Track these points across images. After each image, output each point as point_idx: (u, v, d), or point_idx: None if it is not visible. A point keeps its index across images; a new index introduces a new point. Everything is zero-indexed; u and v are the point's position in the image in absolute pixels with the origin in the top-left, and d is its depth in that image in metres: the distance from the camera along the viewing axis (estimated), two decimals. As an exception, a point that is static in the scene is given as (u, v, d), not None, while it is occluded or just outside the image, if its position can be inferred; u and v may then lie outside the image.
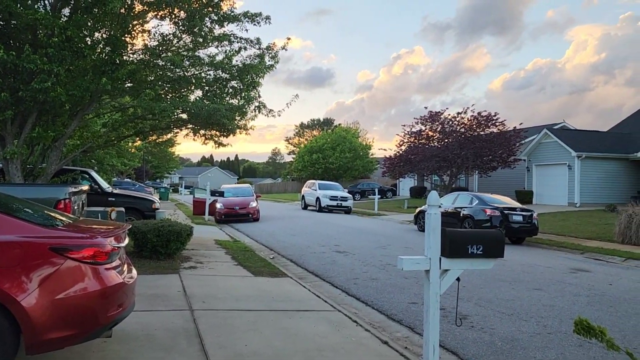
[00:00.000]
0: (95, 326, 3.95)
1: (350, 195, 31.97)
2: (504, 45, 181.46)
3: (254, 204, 22.50)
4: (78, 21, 9.68)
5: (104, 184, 14.23)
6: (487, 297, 8.19)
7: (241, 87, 12.43)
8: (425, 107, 32.97)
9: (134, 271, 4.81)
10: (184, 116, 12.40)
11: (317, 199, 30.86)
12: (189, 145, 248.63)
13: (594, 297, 8.32)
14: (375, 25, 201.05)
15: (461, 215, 17.01)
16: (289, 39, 11.81)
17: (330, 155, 52.42)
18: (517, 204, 16.94)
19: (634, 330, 6.43)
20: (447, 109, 33.10)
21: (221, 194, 22.05)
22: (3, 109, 9.44)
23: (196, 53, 11.62)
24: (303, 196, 34.02)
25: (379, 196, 35.62)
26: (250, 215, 22.09)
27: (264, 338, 5.46)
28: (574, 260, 13.08)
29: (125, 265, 4.62)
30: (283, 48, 11.66)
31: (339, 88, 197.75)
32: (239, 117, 12.66)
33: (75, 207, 8.98)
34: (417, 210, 20.07)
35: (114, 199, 13.82)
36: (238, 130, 13.12)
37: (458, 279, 4.44)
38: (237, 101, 12.70)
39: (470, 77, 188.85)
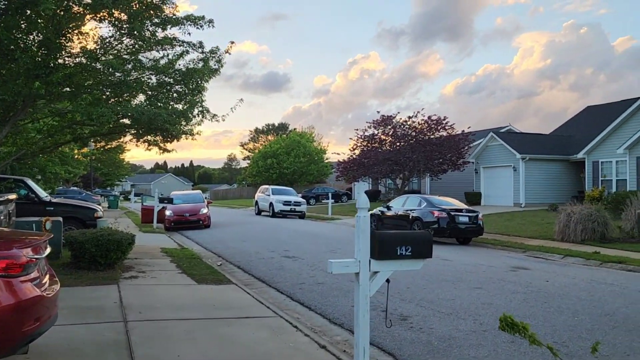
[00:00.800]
0: (10, 343, 3.75)
1: (304, 200, 31.99)
2: (456, 52, 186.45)
3: (204, 211, 22.14)
4: (9, 22, 9.27)
5: (42, 193, 13.66)
6: (428, 297, 8.31)
7: (186, 91, 12.24)
8: (378, 111, 33.46)
9: (57, 283, 4.60)
10: (127, 121, 12.08)
11: (271, 204, 30.70)
12: (141, 152, 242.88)
13: (531, 294, 8.58)
14: (331, 30, 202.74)
15: (410, 217, 17.28)
16: (232, 42, 11.69)
17: (284, 160, 52.31)
18: (463, 206, 17.36)
19: (564, 325, 6.65)
20: (398, 112, 33.72)
21: (170, 200, 21.60)
22: None
23: (139, 57, 11.35)
24: (256, 202, 33.79)
25: (333, 200, 35.84)
26: (201, 222, 21.73)
27: (198, 347, 5.33)
28: (516, 259, 13.50)
29: (47, 277, 4.42)
30: (227, 52, 11.55)
31: (296, 93, 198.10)
32: (184, 122, 12.43)
33: (1, 218, 8.56)
34: (370, 213, 20.21)
35: (52, 208, 13.29)
36: (184, 136, 12.89)
37: (388, 281, 4.46)
38: (181, 106, 12.50)
39: (424, 82, 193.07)
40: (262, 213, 32.30)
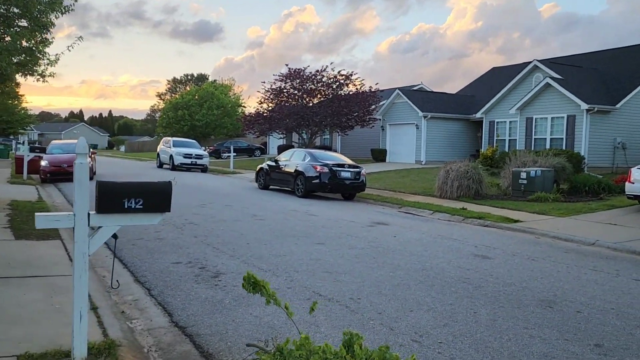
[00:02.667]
0: None
1: (207, 154, 30.99)
2: (392, 9, 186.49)
3: (86, 162, 20.69)
4: None
5: None
6: (260, 254, 8.01)
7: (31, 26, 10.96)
8: (287, 65, 32.41)
9: None
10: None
11: (171, 156, 29.50)
12: (52, 100, 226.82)
13: (366, 250, 8.51)
14: None
15: (295, 171, 16.99)
16: None
17: (196, 112, 50.34)
18: (348, 161, 17.26)
19: (375, 280, 6.55)
20: (308, 66, 32.84)
21: (43, 150, 19.98)
22: None
23: None
24: (158, 154, 32.42)
25: (247, 155, 35.10)
26: (82, 174, 20.32)
27: None
28: (386, 214, 13.59)
29: None
30: None
31: (228, 44, 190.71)
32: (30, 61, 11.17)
33: None
34: (258, 167, 19.79)
35: None
36: (31, 78, 11.64)
37: (115, 237, 3.99)
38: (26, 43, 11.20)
39: (359, 38, 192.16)
40: (164, 166, 31.06)
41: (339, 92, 32.80)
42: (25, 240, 8.32)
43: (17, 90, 53.95)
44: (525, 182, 16.47)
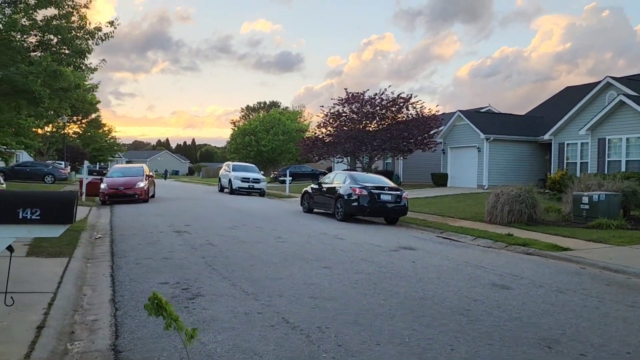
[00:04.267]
0: None
1: (264, 178, 31.24)
2: (473, 33, 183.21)
3: (141, 184, 21.45)
4: None
5: None
6: (256, 276, 7.59)
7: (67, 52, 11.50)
8: (345, 89, 32.28)
9: None
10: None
11: (230, 180, 30.03)
12: (145, 130, 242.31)
13: (372, 275, 7.84)
14: (347, 10, 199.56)
15: (334, 194, 16.53)
16: None
17: (262, 137, 51.37)
18: (390, 184, 16.54)
19: (359, 309, 5.90)
20: (367, 90, 32.46)
21: (101, 173, 20.91)
22: None
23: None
24: (219, 178, 33.16)
25: (311, 180, 34.99)
26: (137, 196, 21.06)
27: None
28: (419, 239, 12.74)
29: None
30: (86, 6, 10.68)
31: (308, 73, 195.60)
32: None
33: None
34: (303, 191, 19.51)
35: None
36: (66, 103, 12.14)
37: (10, 249, 3.74)
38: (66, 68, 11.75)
39: (439, 64, 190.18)
40: (224, 190, 31.62)
41: (398, 116, 32.08)
42: (34, 258, 8.45)
43: (100, 120, 58.42)
44: (587, 207, 14.95)
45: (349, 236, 12.40)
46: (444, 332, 5.16)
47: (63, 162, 44.28)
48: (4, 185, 13.65)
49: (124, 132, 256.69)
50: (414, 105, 32.07)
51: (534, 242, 11.92)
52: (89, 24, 11.06)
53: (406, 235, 13.30)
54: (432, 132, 31.60)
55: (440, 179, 31.50)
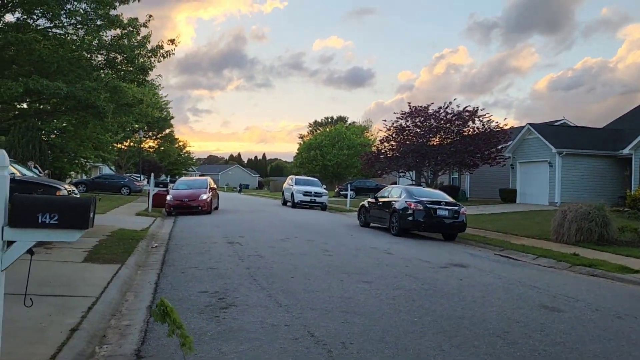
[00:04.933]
0: None
1: (326, 192, 31.30)
2: (553, 45, 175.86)
3: (204, 197, 22.14)
4: None
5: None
6: (294, 288, 7.54)
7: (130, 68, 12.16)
8: (409, 103, 31.90)
9: None
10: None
11: (292, 194, 30.37)
12: (220, 145, 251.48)
13: (412, 292, 7.56)
14: (419, 25, 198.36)
15: (389, 208, 16.26)
16: (150, 16, 11.36)
17: (328, 152, 51.69)
18: (447, 199, 16.04)
19: (389, 326, 5.70)
20: (432, 103, 31.81)
21: (165, 185, 21.79)
22: None
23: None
24: (283, 192, 33.62)
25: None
26: (200, 208, 21.74)
27: None
28: (474, 256, 12.20)
29: None
30: (144, 25, 11.22)
31: (379, 88, 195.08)
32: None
33: None
34: (360, 205, 19.35)
35: (14, 185, 13.68)
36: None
37: (31, 252, 3.90)
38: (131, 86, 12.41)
39: (515, 77, 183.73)
40: (287, 203, 31.97)
41: (464, 129, 31.18)
42: (89, 264, 8.87)
43: (174, 135, 61.24)
44: (667, 226, 13.77)
45: (399, 251, 12.10)
46: (474, 354, 4.86)
47: (140, 175, 46.71)
48: (78, 195, 14.47)
49: (200, 146, 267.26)
50: (481, 118, 31.07)
51: (602, 263, 11.10)
52: (149, 42, 11.62)
53: (461, 252, 12.80)
54: (500, 146, 30.44)
55: (508, 195, 30.23)
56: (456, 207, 15.39)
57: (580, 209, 14.61)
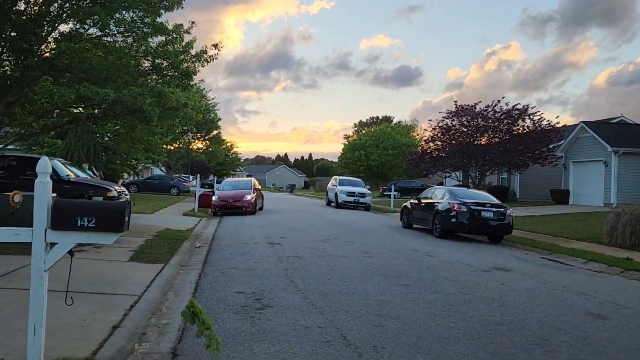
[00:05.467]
0: None
1: (370, 192, 31.15)
2: (613, 37, 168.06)
3: (248, 197, 22.49)
4: None
5: (63, 172, 14.80)
6: (330, 290, 7.57)
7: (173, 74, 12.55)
8: (455, 102, 31.32)
9: None
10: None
11: (336, 194, 30.41)
12: (267, 145, 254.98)
13: (450, 296, 7.43)
14: (469, 21, 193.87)
15: (432, 210, 16.02)
16: (192, 22, 11.65)
17: (372, 152, 51.42)
18: (493, 200, 15.63)
19: (423, 331, 5.63)
20: (480, 102, 30.97)
21: (211, 185, 22.26)
22: None
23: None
24: (327, 192, 33.71)
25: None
26: (244, 208, 22.11)
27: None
28: (520, 259, 11.84)
29: None
30: (187, 31, 11.52)
31: (427, 87, 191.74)
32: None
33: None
34: (402, 206, 19.16)
35: (68, 187, 14.37)
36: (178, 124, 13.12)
37: (71, 254, 4.08)
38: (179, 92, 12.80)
39: (572, 72, 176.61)
40: (331, 204, 32.03)
41: (513, 128, 30.29)
42: (134, 263, 9.21)
43: (221, 137, 62.50)
44: None
45: (441, 254, 11.90)
46: (509, 362, 4.74)
47: (189, 176, 47.95)
48: (128, 196, 15.04)
49: (247, 147, 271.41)
50: (532, 116, 30.10)
51: (656, 268, 10.55)
52: (193, 48, 11.93)
53: (505, 255, 12.46)
54: (551, 145, 29.40)
55: (560, 196, 29.17)
56: (502, 209, 14.99)
57: (635, 211, 13.93)
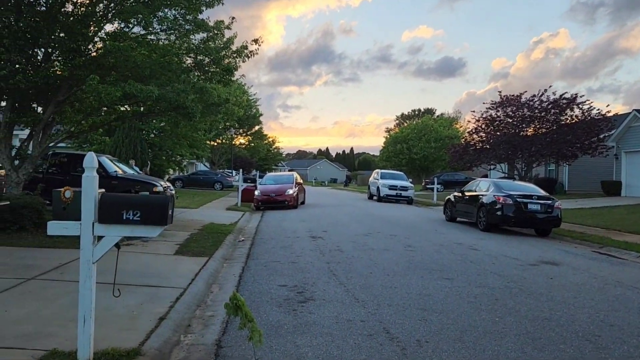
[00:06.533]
0: None
1: (412, 185, 30.79)
2: None
3: (290, 192, 22.63)
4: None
5: (111, 169, 15.29)
6: (372, 283, 7.52)
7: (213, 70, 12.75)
8: (499, 92, 30.49)
9: None
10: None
11: (378, 188, 30.23)
12: (309, 140, 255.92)
13: (496, 290, 7.25)
14: (515, 8, 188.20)
15: (477, 203, 15.67)
16: (233, 18, 11.75)
17: (414, 145, 50.76)
18: (539, 192, 15.13)
19: (467, 325, 5.51)
20: (525, 92, 29.90)
21: (253, 180, 22.51)
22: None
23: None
24: (369, 186, 33.54)
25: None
26: (286, 202, 22.26)
27: (30, 305, 5.59)
28: (569, 253, 11.43)
29: None
30: (227, 27, 11.62)
31: (471, 78, 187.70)
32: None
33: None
34: (446, 199, 18.84)
35: (116, 182, 14.85)
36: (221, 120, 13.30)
37: (118, 247, 4.19)
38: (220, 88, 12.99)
39: (625, 59, 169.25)
40: (373, 197, 31.85)
41: (561, 118, 29.23)
42: (179, 256, 9.42)
43: (262, 132, 63.16)
44: None
45: (486, 247, 11.64)
46: (558, 358, 4.58)
47: (232, 171, 48.72)
48: (174, 191, 15.42)
49: (289, 142, 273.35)
50: (580, 105, 28.94)
51: None
52: (233, 44, 12.07)
53: (553, 249, 12.06)
54: (602, 135, 28.21)
55: (612, 188, 28.02)
56: (550, 201, 14.50)
57: (694, 203, 13.20)
